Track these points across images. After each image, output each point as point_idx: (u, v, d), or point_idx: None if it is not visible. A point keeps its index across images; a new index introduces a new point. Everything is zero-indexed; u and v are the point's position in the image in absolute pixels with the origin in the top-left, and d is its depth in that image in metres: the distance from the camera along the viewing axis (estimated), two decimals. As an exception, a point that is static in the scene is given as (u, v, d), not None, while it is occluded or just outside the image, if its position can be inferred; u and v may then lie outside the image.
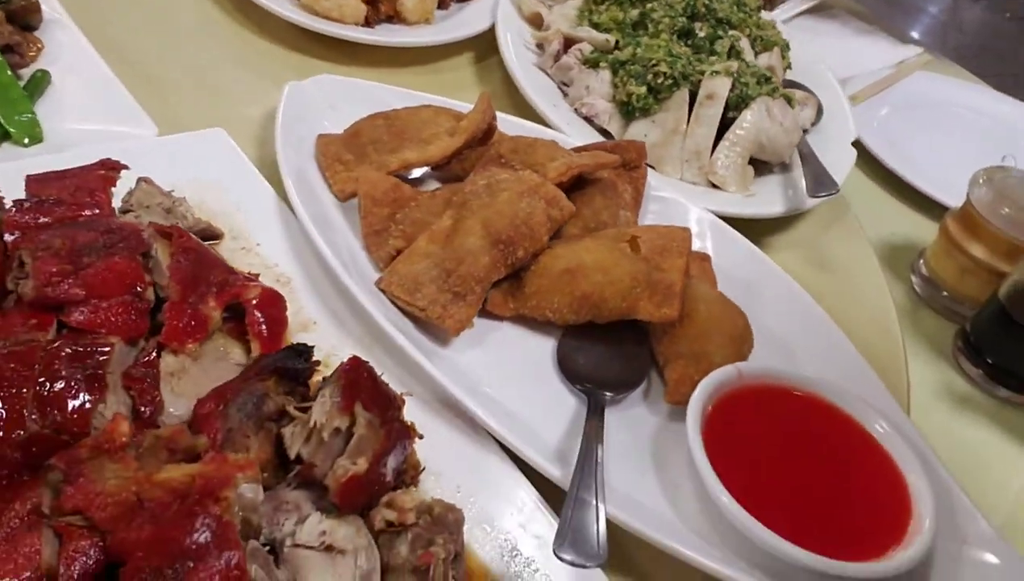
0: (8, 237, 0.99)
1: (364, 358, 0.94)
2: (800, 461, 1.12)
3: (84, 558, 0.76)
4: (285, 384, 0.97)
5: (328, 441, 0.89)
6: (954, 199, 1.57)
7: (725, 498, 1.00)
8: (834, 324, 1.33)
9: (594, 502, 0.92)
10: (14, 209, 1.01)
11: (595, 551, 0.85)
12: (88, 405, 0.85)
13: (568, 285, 1.23)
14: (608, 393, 1.17)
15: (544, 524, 0.98)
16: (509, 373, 1.19)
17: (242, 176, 1.33)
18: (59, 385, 0.85)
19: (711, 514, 1.05)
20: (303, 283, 1.22)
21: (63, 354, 0.87)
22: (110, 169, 1.15)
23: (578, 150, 1.46)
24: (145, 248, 1.02)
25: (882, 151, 1.85)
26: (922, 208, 1.82)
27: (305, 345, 1.00)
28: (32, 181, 1.10)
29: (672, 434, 1.18)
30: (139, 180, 1.18)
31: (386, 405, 0.95)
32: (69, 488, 0.78)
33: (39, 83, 1.35)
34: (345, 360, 0.94)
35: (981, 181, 1.48)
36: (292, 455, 0.89)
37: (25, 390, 0.82)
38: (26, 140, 1.27)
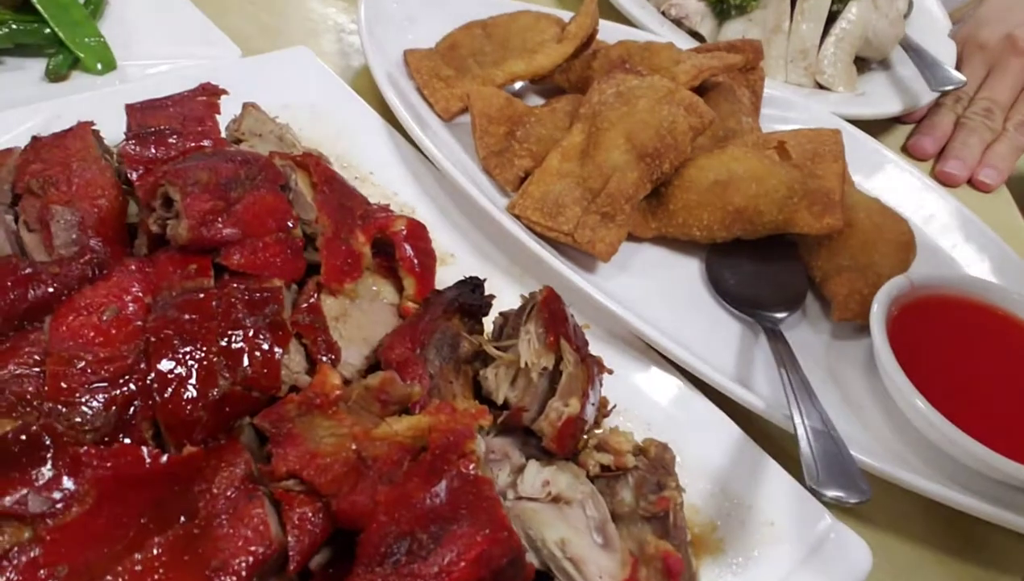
0: (132, 173, 0.86)
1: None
2: (985, 370, 1.05)
3: (311, 527, 0.66)
4: (466, 322, 0.86)
5: (536, 382, 0.80)
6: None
7: (936, 417, 0.93)
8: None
9: (830, 432, 0.84)
10: (132, 142, 0.88)
11: (860, 485, 0.77)
12: (277, 356, 0.74)
13: (719, 199, 1.13)
14: (779, 314, 1.08)
15: (751, 458, 0.90)
16: (662, 298, 1.10)
17: (339, 98, 1.20)
18: (242, 336, 0.73)
19: (905, 430, 0.98)
20: (430, 213, 1.11)
21: (239, 302, 0.75)
22: (212, 95, 1.01)
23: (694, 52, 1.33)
24: (283, 180, 0.90)
25: None
26: None
27: (478, 278, 0.89)
28: (134, 111, 0.96)
29: (838, 352, 1.11)
30: (246, 106, 1.04)
31: (582, 339, 0.86)
32: (280, 450, 0.68)
33: (96, 3, 1.19)
34: (537, 291, 0.84)
35: None
36: (500, 399, 0.80)
37: (212, 345, 0.71)
38: (99, 66, 1.11)
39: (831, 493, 0.76)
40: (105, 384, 0.68)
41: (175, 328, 0.71)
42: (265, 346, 0.74)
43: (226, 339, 0.72)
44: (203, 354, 0.71)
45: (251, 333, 0.74)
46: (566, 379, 0.80)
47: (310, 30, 1.42)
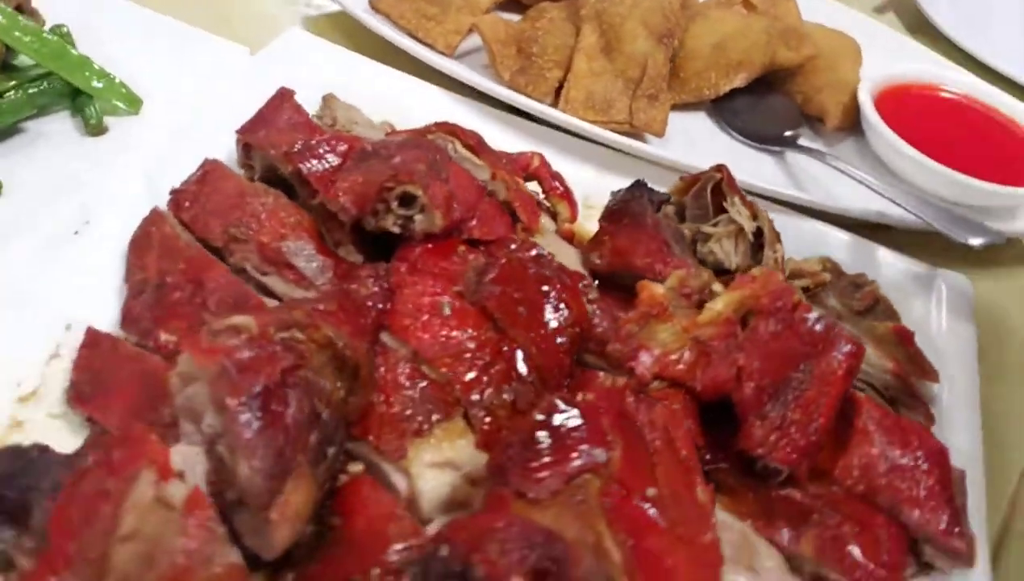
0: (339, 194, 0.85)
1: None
2: (946, 133, 1.33)
3: (689, 419, 0.77)
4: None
5: (751, 243, 0.94)
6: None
7: (918, 155, 1.20)
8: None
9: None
10: (312, 162, 0.86)
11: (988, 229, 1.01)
12: (580, 294, 0.83)
13: (721, 59, 1.29)
14: (789, 133, 1.29)
15: (861, 248, 1.12)
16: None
17: (359, 70, 1.18)
18: (554, 287, 0.80)
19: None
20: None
21: (528, 262, 0.82)
22: (287, 98, 0.99)
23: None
24: (441, 151, 0.93)
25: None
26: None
27: (642, 181, 0.99)
28: (244, 133, 0.93)
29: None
30: (327, 98, 1.02)
31: (744, 197, 1.01)
32: (637, 361, 0.78)
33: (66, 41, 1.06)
34: (708, 170, 0.97)
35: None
36: (734, 265, 0.93)
37: (541, 301, 0.78)
38: (123, 105, 1.02)
39: (977, 240, 1.00)
40: (491, 360, 0.73)
41: (508, 297, 0.77)
42: (569, 289, 0.81)
43: (547, 292, 0.79)
44: (538, 314, 0.77)
45: (557, 283, 0.81)
46: (768, 232, 0.95)
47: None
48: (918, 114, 1.34)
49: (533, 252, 0.84)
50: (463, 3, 1.30)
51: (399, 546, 0.61)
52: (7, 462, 0.62)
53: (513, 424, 0.70)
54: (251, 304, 0.77)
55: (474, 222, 0.85)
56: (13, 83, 0.95)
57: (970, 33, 1.66)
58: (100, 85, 1.00)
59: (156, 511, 0.54)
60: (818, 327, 0.80)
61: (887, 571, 0.74)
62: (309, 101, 1.09)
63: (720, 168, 0.98)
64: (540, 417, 0.63)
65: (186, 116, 1.01)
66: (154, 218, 0.85)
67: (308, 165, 0.87)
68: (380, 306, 0.75)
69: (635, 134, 1.20)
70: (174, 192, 0.88)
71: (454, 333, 0.74)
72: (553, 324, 0.78)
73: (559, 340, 0.78)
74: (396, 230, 0.83)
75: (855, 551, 0.74)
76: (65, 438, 0.71)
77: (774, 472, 0.77)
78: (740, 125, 1.32)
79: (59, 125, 0.99)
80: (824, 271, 0.99)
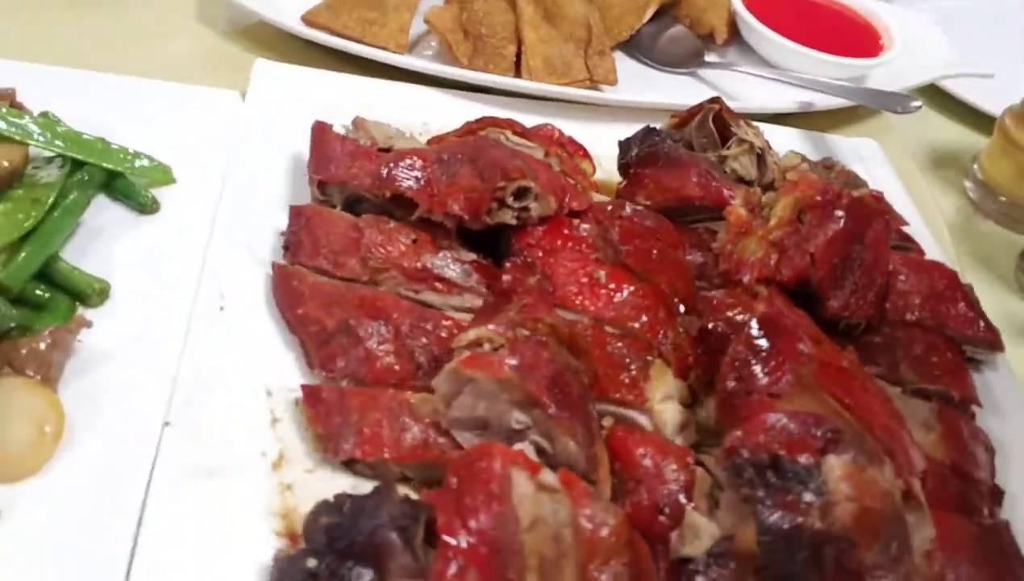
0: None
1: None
2: (801, 25, 1.59)
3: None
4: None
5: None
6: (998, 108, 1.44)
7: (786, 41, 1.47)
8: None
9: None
10: (407, 182, 0.93)
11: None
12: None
13: (631, 3, 1.46)
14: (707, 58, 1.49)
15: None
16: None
17: (343, 87, 1.22)
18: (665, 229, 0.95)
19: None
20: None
21: (637, 217, 0.96)
22: (328, 131, 1.03)
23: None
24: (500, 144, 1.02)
25: None
26: (965, 120, 1.60)
27: (651, 126, 1.14)
28: (317, 172, 0.97)
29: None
30: (356, 122, 1.07)
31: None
32: (740, 275, 0.95)
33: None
34: (705, 102, 1.14)
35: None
36: (752, 177, 1.11)
37: (675, 249, 0.92)
38: (160, 179, 1.01)
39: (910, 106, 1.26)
40: (653, 304, 0.87)
41: (640, 251, 0.90)
42: (671, 230, 0.97)
43: (659, 237, 0.94)
44: (664, 257, 0.92)
45: (662, 227, 0.95)
46: (764, 144, 1.14)
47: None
48: (779, 12, 1.58)
49: (628, 209, 0.97)
50: (397, 1, 1.35)
51: (678, 467, 0.75)
52: (346, 508, 0.68)
53: (700, 352, 0.85)
54: (438, 318, 0.85)
55: (567, 197, 0.96)
56: (77, 178, 0.92)
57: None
58: (137, 165, 0.98)
59: (543, 497, 0.64)
60: (855, 205, 1.00)
61: (960, 370, 0.97)
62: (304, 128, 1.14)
63: (716, 100, 1.15)
64: (755, 330, 0.78)
65: (218, 174, 1.02)
66: (286, 273, 0.89)
67: (406, 185, 0.93)
68: (547, 289, 0.86)
69: (594, 87, 1.35)
70: (287, 245, 0.92)
71: (616, 294, 0.87)
72: (676, 261, 0.93)
73: (686, 273, 0.93)
74: (513, 222, 0.93)
75: (935, 360, 0.97)
76: (334, 485, 0.77)
77: (855, 327, 0.98)
78: (656, 57, 1.50)
79: (109, 213, 0.96)
80: (803, 162, 1.20)
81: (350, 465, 0.78)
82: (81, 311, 0.85)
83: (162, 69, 1.26)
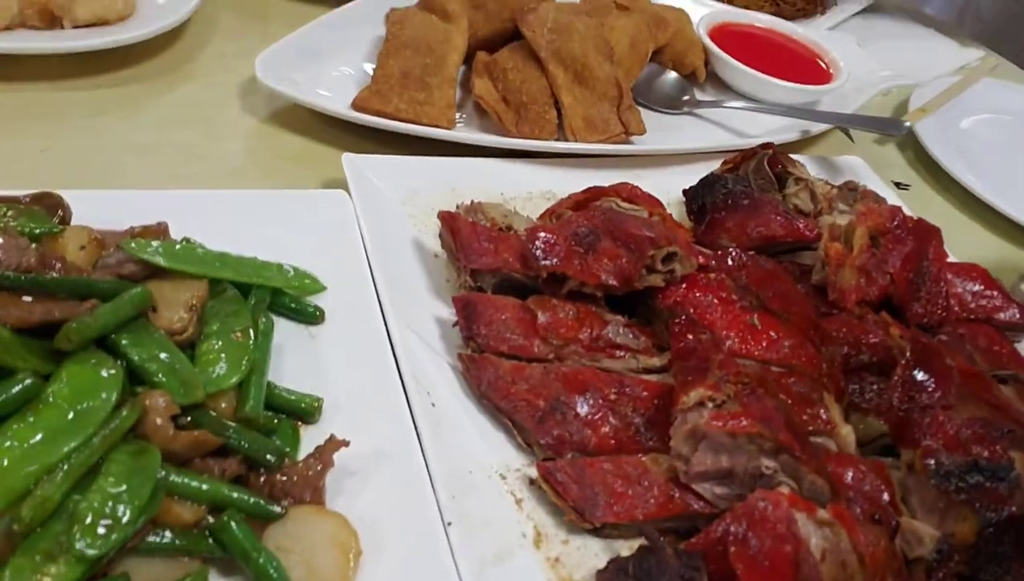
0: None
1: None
2: (762, 56, 1.78)
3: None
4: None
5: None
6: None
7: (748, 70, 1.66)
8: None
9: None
10: (557, 260, 1.02)
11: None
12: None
13: (635, 56, 1.59)
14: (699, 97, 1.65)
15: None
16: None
17: (426, 172, 1.29)
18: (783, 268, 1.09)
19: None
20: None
21: (755, 262, 1.09)
22: (460, 220, 1.10)
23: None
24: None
25: (959, 169, 1.60)
26: (1007, 234, 1.55)
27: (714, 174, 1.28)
28: (468, 261, 1.05)
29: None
30: (475, 206, 1.16)
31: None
32: (847, 301, 1.11)
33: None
34: (757, 147, 1.29)
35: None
36: (810, 210, 1.27)
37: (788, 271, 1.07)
38: (313, 288, 1.05)
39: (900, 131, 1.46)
40: (801, 341, 1.00)
41: (778, 295, 1.04)
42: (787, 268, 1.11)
43: (783, 277, 1.09)
44: (791, 294, 1.06)
45: (780, 268, 1.10)
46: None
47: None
48: (740, 47, 1.76)
49: (741, 255, 1.10)
50: (439, 78, 1.43)
51: (881, 480, 0.89)
52: (631, 570, 0.77)
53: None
54: (635, 383, 0.95)
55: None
56: (254, 302, 0.96)
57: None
58: (290, 278, 1.02)
59: (824, 531, 0.76)
60: (918, 226, 1.18)
61: (1016, 353, 1.17)
62: (405, 214, 1.21)
63: (768, 145, 1.30)
64: (911, 354, 0.93)
65: (358, 274, 1.07)
66: (481, 362, 0.96)
67: (561, 266, 1.02)
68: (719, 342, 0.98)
69: (628, 140, 1.47)
70: (467, 337, 0.99)
71: (774, 336, 1.00)
72: (800, 298, 1.07)
73: (809, 308, 1.07)
74: (662, 284, 1.04)
75: (996, 349, 1.16)
76: (590, 550, 0.86)
77: (930, 330, 1.16)
78: (656, 101, 1.65)
79: (279, 331, 0.99)
80: (832, 188, 1.37)
81: (599, 530, 0.87)
82: (304, 429, 0.90)
83: (222, 177, 1.30)
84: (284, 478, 0.80)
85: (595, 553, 0.86)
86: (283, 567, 0.73)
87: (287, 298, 1.01)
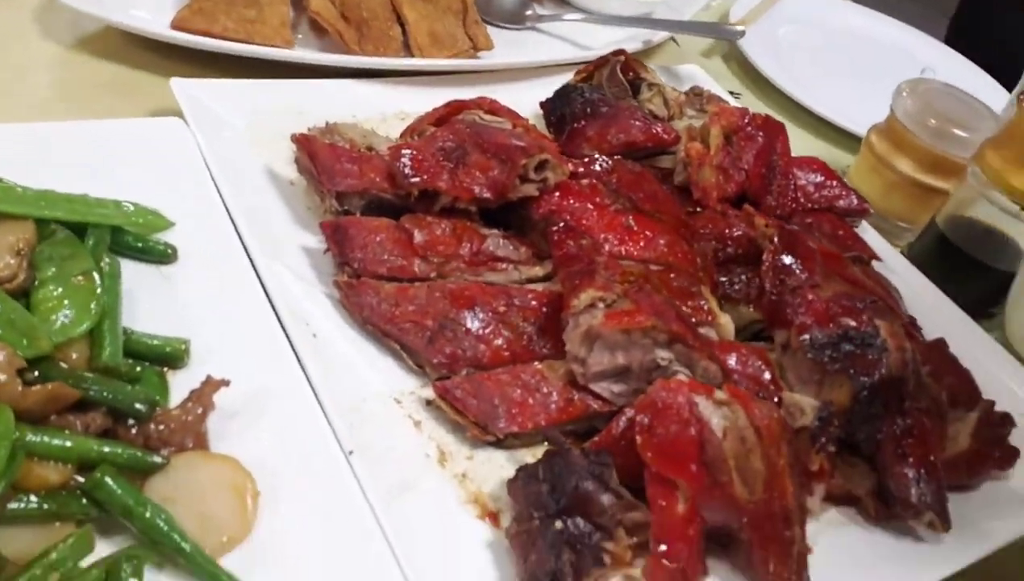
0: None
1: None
2: None
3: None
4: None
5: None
6: (860, 128, 1.47)
7: None
8: None
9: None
10: (428, 176, 0.98)
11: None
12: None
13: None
14: (540, 11, 1.63)
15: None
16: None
17: (265, 94, 1.19)
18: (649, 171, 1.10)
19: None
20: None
21: (622, 165, 1.09)
22: (314, 141, 1.03)
23: None
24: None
25: (782, 79, 1.66)
26: (827, 136, 1.63)
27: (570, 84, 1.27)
28: (332, 184, 0.98)
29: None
30: (331, 127, 1.09)
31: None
32: (708, 198, 1.14)
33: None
34: (609, 55, 1.29)
35: (905, 93, 1.34)
36: (666, 115, 1.29)
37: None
38: (158, 224, 0.95)
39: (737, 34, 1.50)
40: (677, 238, 1.02)
41: (648, 196, 1.05)
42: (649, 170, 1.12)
43: (650, 177, 1.09)
44: (658, 193, 1.07)
45: (647, 169, 1.10)
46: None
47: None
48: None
49: (610, 161, 1.10)
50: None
51: (762, 363, 0.93)
52: (541, 475, 0.77)
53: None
54: (522, 293, 0.93)
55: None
56: (92, 243, 0.85)
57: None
58: (131, 215, 0.91)
59: (724, 410, 0.78)
60: (766, 123, 1.22)
61: (856, 237, 1.25)
62: (249, 141, 1.12)
63: (620, 52, 1.30)
64: (778, 241, 0.97)
65: (207, 207, 0.98)
66: (360, 288, 0.90)
67: (431, 181, 0.98)
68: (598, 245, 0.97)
69: (475, 55, 1.43)
70: (341, 263, 0.93)
71: (649, 236, 1.00)
72: (667, 198, 1.09)
73: (677, 207, 1.09)
74: (536, 193, 1.02)
75: (840, 234, 1.23)
76: (496, 462, 0.85)
77: (780, 219, 1.22)
78: (497, 15, 1.61)
79: (127, 272, 0.88)
80: (680, 94, 1.40)
81: (502, 442, 0.85)
82: (170, 375, 0.81)
83: (27, 111, 1.14)
84: (160, 427, 0.72)
85: (500, 465, 0.85)
86: (173, 518, 0.66)
87: (130, 237, 0.90)
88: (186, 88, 1.12)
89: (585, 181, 1.05)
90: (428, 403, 0.87)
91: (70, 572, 0.58)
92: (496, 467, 0.85)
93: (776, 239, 0.98)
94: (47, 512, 0.63)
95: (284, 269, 0.94)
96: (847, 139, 1.59)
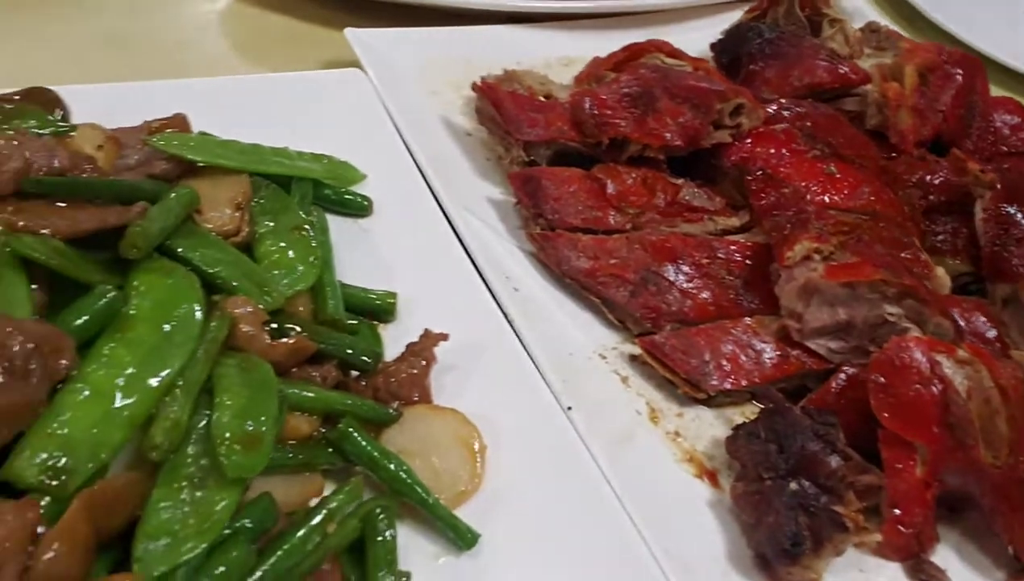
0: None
1: None
2: None
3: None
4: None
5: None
6: None
7: None
8: None
9: None
10: (621, 124, 0.94)
11: None
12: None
13: None
14: None
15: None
16: None
17: (438, 42, 1.18)
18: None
19: None
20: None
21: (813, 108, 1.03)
22: (497, 90, 1.01)
23: None
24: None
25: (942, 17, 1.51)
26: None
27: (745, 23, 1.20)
28: (520, 134, 0.96)
29: None
30: (510, 74, 1.07)
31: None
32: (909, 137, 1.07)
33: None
34: None
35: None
36: (847, 52, 1.21)
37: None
38: (350, 177, 0.95)
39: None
40: (879, 185, 0.96)
41: (846, 142, 0.99)
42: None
43: (845, 121, 1.04)
44: (856, 137, 1.01)
45: (841, 115, 1.04)
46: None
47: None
48: None
49: (802, 105, 1.04)
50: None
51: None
52: (762, 434, 0.74)
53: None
54: (725, 245, 0.89)
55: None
56: (297, 197, 0.85)
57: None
58: (328, 169, 0.91)
59: (967, 370, 0.73)
60: (964, 60, 1.14)
61: None
62: (424, 91, 1.11)
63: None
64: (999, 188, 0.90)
65: (394, 158, 0.97)
66: (557, 240, 0.88)
67: (620, 128, 0.95)
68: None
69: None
70: (535, 215, 0.91)
71: (853, 184, 0.95)
72: (865, 142, 1.02)
73: (875, 152, 1.03)
74: (729, 140, 0.97)
75: None
76: (705, 420, 0.82)
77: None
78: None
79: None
80: (857, 31, 1.31)
81: (710, 400, 0.83)
82: (381, 329, 0.82)
83: (203, 65, 1.16)
84: (391, 380, 0.72)
85: (710, 423, 0.82)
86: (412, 471, 0.66)
87: (329, 190, 0.91)
88: (362, 37, 1.11)
89: (779, 126, 1.00)
90: (633, 358, 0.85)
91: (342, 520, 0.59)
92: (706, 425, 0.82)
93: (999, 186, 0.91)
94: (300, 461, 0.64)
95: (478, 221, 0.92)
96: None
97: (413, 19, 1.23)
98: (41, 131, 0.77)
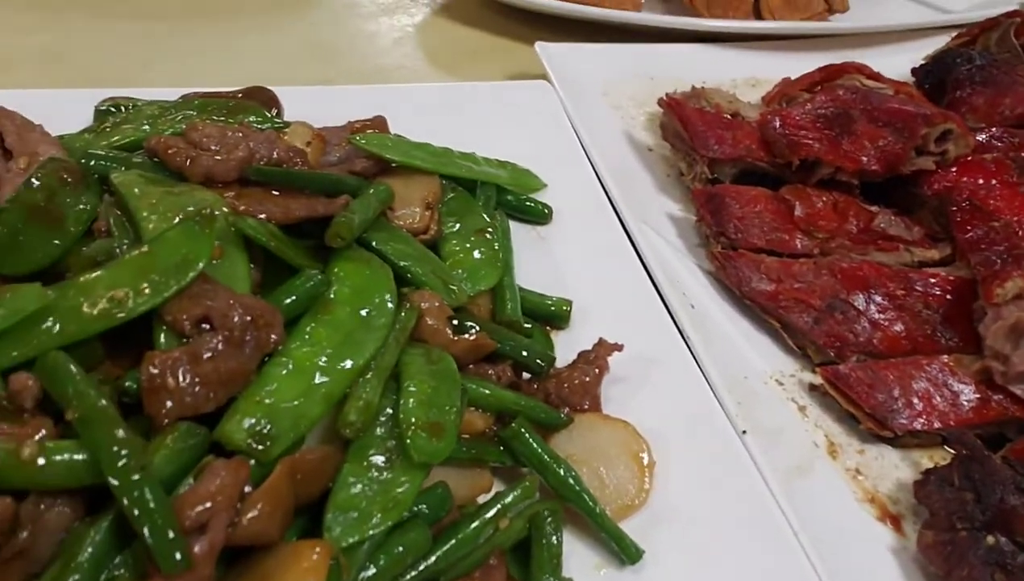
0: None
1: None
2: None
3: None
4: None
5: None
6: None
7: None
8: None
9: None
10: (815, 146, 0.91)
11: None
12: None
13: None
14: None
15: None
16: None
17: (616, 61, 1.18)
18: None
19: None
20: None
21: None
22: (685, 107, 1.00)
23: None
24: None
25: None
26: None
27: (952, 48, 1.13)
28: (706, 151, 0.94)
29: None
30: (696, 92, 1.05)
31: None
32: None
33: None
34: (1003, 15, 1.13)
35: None
36: None
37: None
38: (532, 185, 0.96)
39: None
40: None
41: None
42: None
43: None
44: None
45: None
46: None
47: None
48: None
49: (1016, 134, 0.96)
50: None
51: None
52: (956, 481, 0.68)
53: None
54: (924, 277, 0.84)
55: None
56: (483, 200, 0.88)
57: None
58: (511, 176, 0.93)
59: None
60: None
61: None
62: (608, 105, 1.11)
63: (1016, 12, 1.14)
64: None
65: (574, 168, 0.98)
66: (739, 260, 0.86)
67: (812, 149, 0.91)
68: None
69: (824, 17, 1.33)
70: (716, 233, 0.89)
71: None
72: None
73: None
74: (932, 167, 0.92)
75: None
76: (889, 461, 0.77)
77: None
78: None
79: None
80: None
81: (895, 439, 0.78)
82: (553, 335, 0.82)
83: (400, 72, 1.21)
84: (564, 386, 0.72)
85: (895, 464, 0.77)
86: (580, 478, 0.66)
87: (511, 196, 0.93)
88: (550, 51, 1.13)
89: (989, 156, 0.93)
90: (813, 388, 0.81)
91: (513, 518, 0.60)
92: (890, 466, 0.77)
93: None
94: (472, 456, 0.65)
95: (656, 236, 0.92)
96: None
97: (597, 35, 1.25)
98: (260, 126, 0.83)
